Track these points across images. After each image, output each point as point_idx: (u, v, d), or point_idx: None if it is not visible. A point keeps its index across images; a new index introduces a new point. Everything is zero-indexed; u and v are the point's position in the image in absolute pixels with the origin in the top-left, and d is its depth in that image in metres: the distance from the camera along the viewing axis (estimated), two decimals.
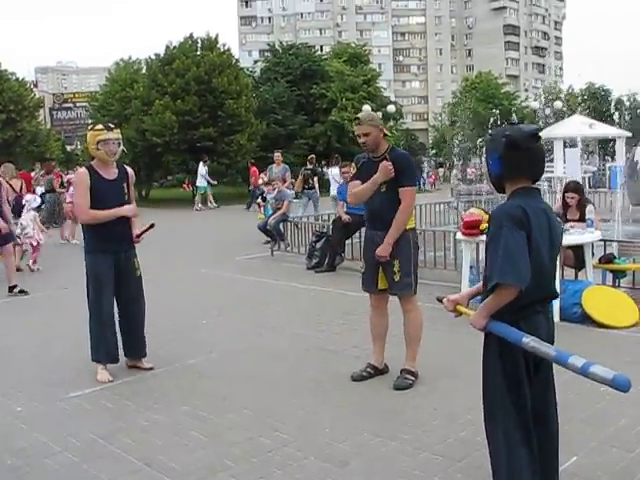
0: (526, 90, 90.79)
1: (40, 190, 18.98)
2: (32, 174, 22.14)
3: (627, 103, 57.59)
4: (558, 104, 31.08)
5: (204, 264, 11.70)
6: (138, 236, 5.81)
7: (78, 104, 64.73)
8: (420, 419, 4.54)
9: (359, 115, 5.44)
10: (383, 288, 5.33)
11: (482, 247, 8.03)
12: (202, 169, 26.28)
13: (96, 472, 3.89)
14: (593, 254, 7.86)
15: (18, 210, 11.85)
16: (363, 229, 10.99)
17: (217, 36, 32.96)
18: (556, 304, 6.16)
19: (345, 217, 10.78)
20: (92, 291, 5.61)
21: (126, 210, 5.62)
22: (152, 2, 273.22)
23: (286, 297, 8.98)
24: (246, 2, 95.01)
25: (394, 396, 5.01)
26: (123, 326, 5.78)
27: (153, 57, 33.18)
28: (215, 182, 27.63)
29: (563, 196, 8.08)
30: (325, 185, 21.53)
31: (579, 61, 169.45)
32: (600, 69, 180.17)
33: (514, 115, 34.47)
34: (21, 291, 9.42)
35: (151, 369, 5.77)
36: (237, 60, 35.00)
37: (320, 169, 24.16)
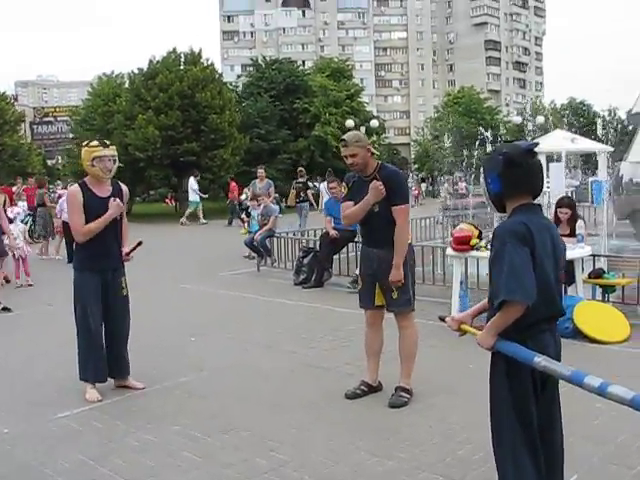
0: (507, 105, 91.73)
1: (22, 204, 18.78)
2: (13, 189, 21.96)
3: (607, 118, 58.25)
4: (540, 119, 31.29)
5: (190, 280, 11.59)
6: (128, 254, 5.71)
7: (59, 118, 64.25)
8: (417, 437, 4.47)
9: (345, 137, 5.29)
10: (380, 304, 5.26)
11: (471, 262, 8.05)
12: (194, 184, 25.68)
13: None
14: (583, 269, 7.87)
15: None
16: (351, 244, 11.11)
17: (200, 51, 32.99)
18: None
19: (333, 232, 10.71)
20: (79, 309, 5.49)
21: (114, 206, 5.41)
22: (135, 17, 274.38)
23: (274, 313, 8.89)
24: (228, 17, 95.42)
25: (389, 414, 4.94)
26: (106, 344, 5.64)
27: (136, 71, 33.05)
28: (206, 196, 27.35)
29: (555, 211, 8.09)
30: (317, 199, 21.55)
31: (559, 77, 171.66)
32: (580, 85, 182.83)
33: (502, 129, 34.60)
34: (4, 308, 9.24)
35: (142, 389, 5.64)
36: (220, 75, 35.01)
37: (313, 184, 24.17)
